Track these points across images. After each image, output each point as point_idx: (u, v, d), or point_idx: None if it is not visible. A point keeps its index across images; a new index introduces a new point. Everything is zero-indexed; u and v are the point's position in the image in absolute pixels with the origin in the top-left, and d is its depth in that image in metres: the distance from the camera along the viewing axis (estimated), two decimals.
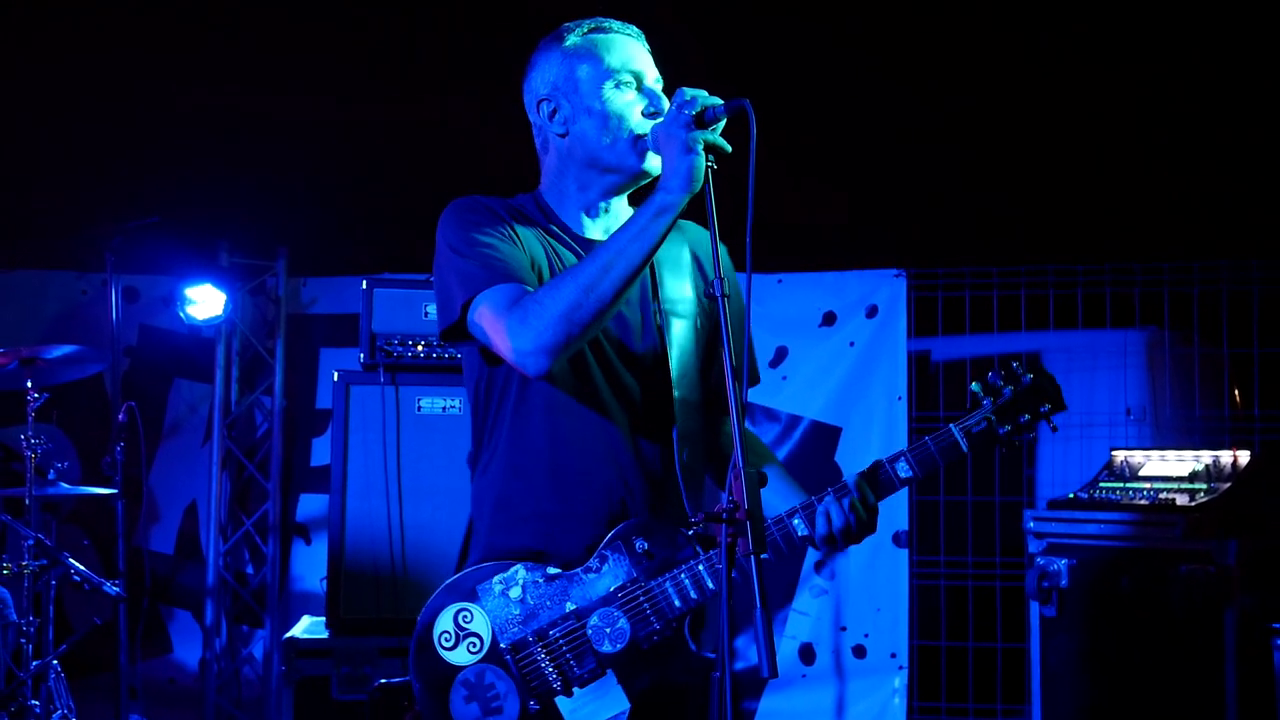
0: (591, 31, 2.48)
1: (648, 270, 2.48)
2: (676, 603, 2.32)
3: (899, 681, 5.56)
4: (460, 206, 2.44)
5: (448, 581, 2.40)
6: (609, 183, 2.47)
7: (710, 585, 2.29)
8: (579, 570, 2.36)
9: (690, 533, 2.33)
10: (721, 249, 2.53)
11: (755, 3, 5.62)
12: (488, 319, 2.30)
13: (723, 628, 2.00)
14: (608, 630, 2.33)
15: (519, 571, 2.36)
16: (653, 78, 2.46)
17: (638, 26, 2.52)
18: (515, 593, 2.36)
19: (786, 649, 5.70)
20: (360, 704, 4.26)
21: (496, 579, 2.37)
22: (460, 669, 2.35)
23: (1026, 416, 2.34)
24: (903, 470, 2.36)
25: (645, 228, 2.23)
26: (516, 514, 2.42)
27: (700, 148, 2.19)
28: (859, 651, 5.64)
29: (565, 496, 2.39)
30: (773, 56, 5.80)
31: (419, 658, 2.38)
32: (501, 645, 2.35)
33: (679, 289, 2.52)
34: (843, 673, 5.66)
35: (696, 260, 2.58)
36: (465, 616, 2.36)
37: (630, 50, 2.46)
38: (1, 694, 4.39)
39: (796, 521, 2.33)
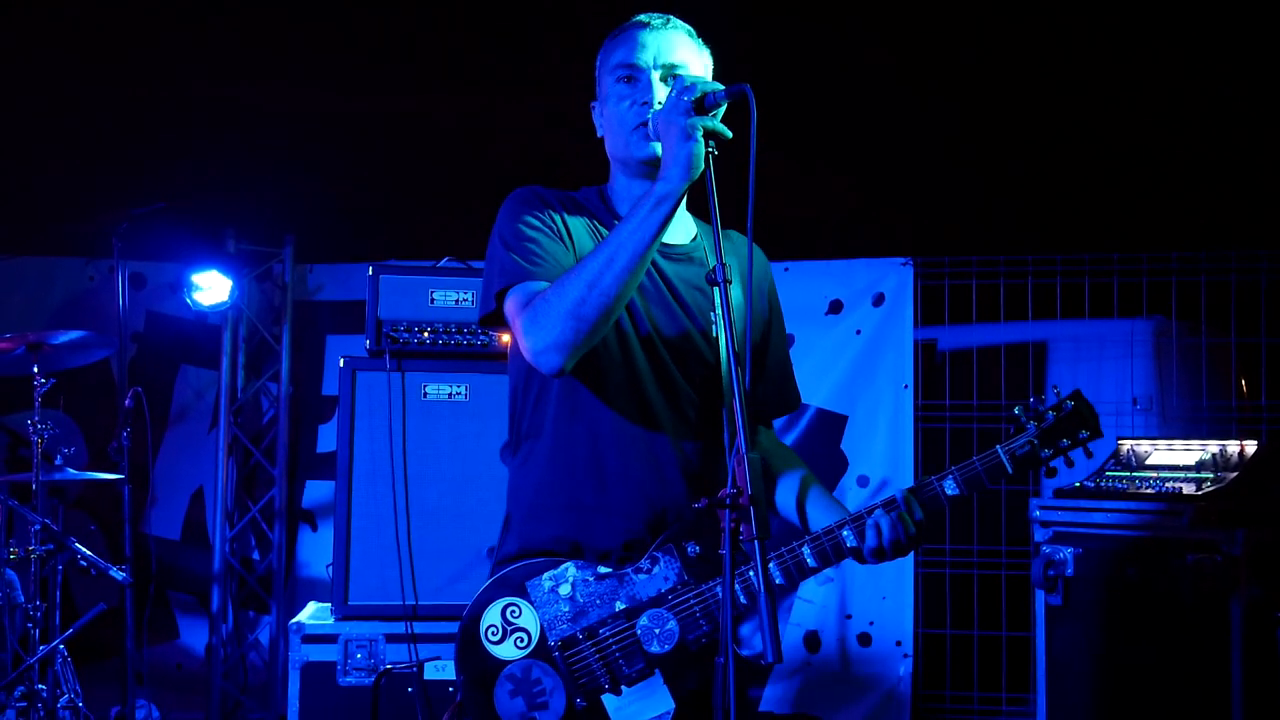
0: (617, 33, 2.51)
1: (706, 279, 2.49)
2: None
3: (904, 670, 5.56)
4: (516, 198, 2.48)
5: (497, 575, 2.41)
6: (637, 176, 2.48)
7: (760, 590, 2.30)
8: (629, 570, 2.37)
9: (742, 540, 2.35)
10: (760, 256, 2.58)
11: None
12: (511, 314, 2.34)
13: (725, 616, 2.00)
14: (657, 631, 2.34)
15: (569, 569, 2.38)
16: (656, 64, 2.44)
17: (640, 19, 2.51)
18: (565, 590, 2.37)
19: (792, 636, 5.70)
20: (366, 690, 4.27)
21: (546, 575, 2.38)
22: (506, 663, 2.36)
23: (1066, 442, 2.38)
24: (950, 488, 2.37)
25: (645, 219, 2.23)
26: (554, 504, 2.44)
27: (699, 134, 2.19)
28: (864, 640, 5.64)
29: (604, 490, 2.41)
30: (779, 45, 5.78)
31: (464, 650, 2.39)
32: (550, 641, 2.36)
33: (735, 299, 2.53)
34: (848, 661, 5.66)
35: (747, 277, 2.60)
36: (513, 611, 2.38)
37: (639, 41, 2.46)
38: (9, 678, 4.40)
39: (846, 533, 2.35)
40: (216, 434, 6.17)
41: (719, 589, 2.33)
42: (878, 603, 5.62)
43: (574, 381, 2.41)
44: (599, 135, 2.56)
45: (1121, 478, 4.42)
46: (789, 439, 5.75)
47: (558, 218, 2.44)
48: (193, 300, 5.83)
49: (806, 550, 2.34)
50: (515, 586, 2.38)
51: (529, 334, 2.27)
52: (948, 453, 5.64)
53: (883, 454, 5.68)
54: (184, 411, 6.29)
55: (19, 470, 5.20)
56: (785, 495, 2.55)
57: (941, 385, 5.77)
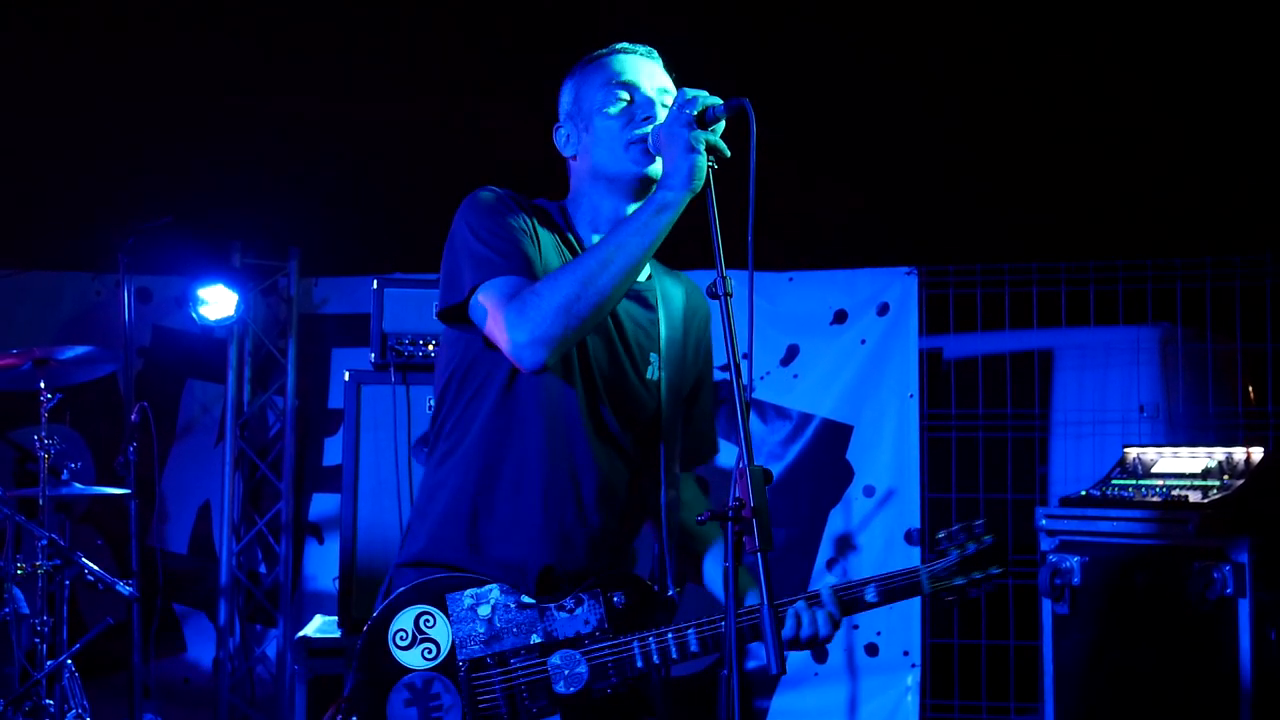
0: (599, 56, 2.52)
1: (663, 322, 2.51)
2: (639, 664, 2.34)
3: (912, 679, 5.55)
4: (488, 193, 2.45)
5: (418, 582, 2.37)
6: (618, 194, 2.47)
7: (675, 655, 2.33)
8: (552, 606, 2.35)
9: (670, 594, 2.38)
10: (702, 298, 2.62)
11: (767, 8, 5.61)
12: (490, 307, 2.30)
13: (729, 629, 2.01)
14: (566, 672, 2.33)
15: (493, 591, 2.35)
16: (652, 87, 2.46)
17: (649, 28, 2.55)
18: (484, 611, 2.34)
19: None
20: None
21: (469, 592, 2.35)
22: (408, 671, 2.33)
23: (978, 575, 2.51)
24: (870, 595, 2.46)
25: (646, 224, 2.24)
26: (465, 511, 2.41)
27: (702, 147, 2.21)
28: (871, 650, 5.63)
29: (517, 507, 2.39)
30: (784, 55, 5.80)
31: (367, 649, 2.35)
32: (458, 660, 2.33)
33: (675, 348, 2.55)
34: (855, 671, 5.65)
35: (686, 315, 2.61)
36: (427, 621, 2.34)
37: (632, 64, 2.48)
38: (17, 693, 4.41)
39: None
40: (223, 448, 6.18)
41: (635, 645, 2.34)
42: (885, 613, 5.60)
43: (509, 394, 2.39)
44: (566, 155, 2.55)
45: (1127, 486, 4.41)
46: (794, 450, 5.75)
47: (530, 222, 2.42)
48: (199, 314, 5.84)
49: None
50: (434, 596, 2.35)
51: (515, 327, 2.24)
52: (953, 462, 5.63)
53: (888, 464, 5.68)
54: (190, 425, 6.30)
55: (26, 485, 5.21)
56: (713, 565, 2.57)
57: (947, 394, 5.76)
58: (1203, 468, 4.33)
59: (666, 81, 2.50)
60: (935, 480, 5.64)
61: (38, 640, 4.43)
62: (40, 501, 4.53)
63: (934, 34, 5.76)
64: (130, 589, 4.59)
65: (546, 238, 2.45)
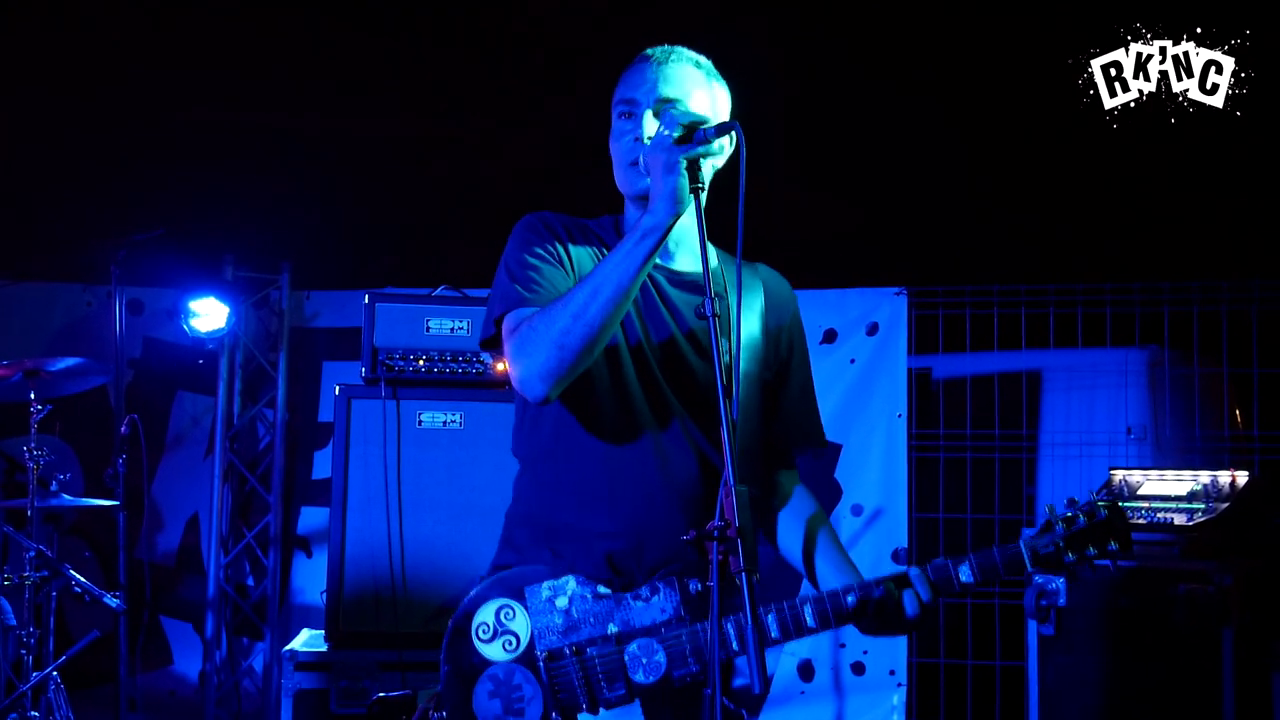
0: (627, 67, 2.52)
1: (731, 307, 2.45)
2: None
3: (898, 699, 5.56)
4: (524, 224, 2.49)
5: (498, 575, 2.42)
6: (641, 208, 2.45)
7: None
8: (628, 596, 2.36)
9: (733, 572, 2.34)
10: (784, 286, 2.62)
11: (758, 28, 5.65)
12: (503, 339, 2.36)
13: (713, 643, 2.02)
14: (644, 660, 2.33)
15: (570, 583, 2.38)
16: (655, 99, 2.43)
17: (640, 47, 2.53)
18: (562, 602, 2.37)
19: (785, 666, 5.70)
20: (359, 717, 4.27)
21: (546, 584, 2.38)
22: (491, 663, 2.36)
23: (1093, 551, 2.33)
24: (964, 574, 2.35)
25: (630, 252, 2.24)
26: (541, 523, 2.46)
27: (684, 168, 2.21)
28: (858, 669, 5.64)
29: (592, 515, 2.41)
30: (775, 78, 5.83)
31: (453, 642, 2.39)
32: (537, 651, 2.36)
33: (750, 331, 2.54)
34: (841, 690, 5.66)
35: (767, 304, 2.60)
36: (507, 614, 2.38)
37: (640, 76, 2.46)
38: (2, 705, 4.40)
39: (850, 599, 2.35)
40: (212, 460, 6.18)
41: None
42: None
43: (566, 407, 2.42)
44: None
45: None
46: None
47: (560, 246, 2.45)
48: (190, 327, 5.85)
49: (807, 610, 2.34)
50: (513, 590, 2.39)
51: (516, 360, 2.30)
52: (941, 482, 5.65)
53: (877, 483, 5.69)
54: (180, 437, 6.30)
55: (14, 496, 5.21)
56: (815, 555, 2.56)
57: (935, 414, 5.78)
58: (1188, 490, 4.36)
59: (687, 86, 2.44)
60: (923, 500, 5.66)
61: (24, 652, 4.43)
62: (29, 513, 4.53)
63: (926, 58, 5.80)
64: (118, 601, 4.59)
65: (584, 256, 2.46)
